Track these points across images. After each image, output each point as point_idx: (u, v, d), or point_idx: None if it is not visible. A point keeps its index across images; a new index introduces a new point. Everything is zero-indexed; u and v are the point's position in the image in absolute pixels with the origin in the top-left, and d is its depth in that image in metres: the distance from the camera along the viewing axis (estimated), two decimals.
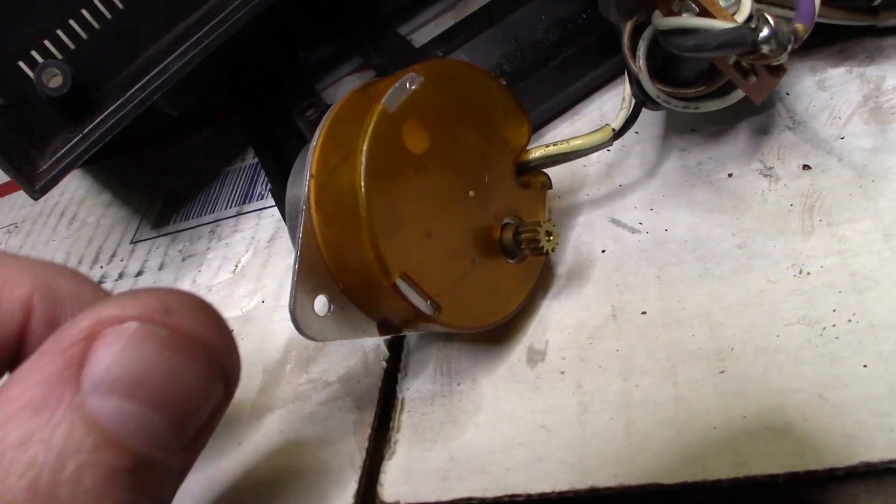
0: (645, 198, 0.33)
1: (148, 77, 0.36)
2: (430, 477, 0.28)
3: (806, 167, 0.31)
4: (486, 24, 0.38)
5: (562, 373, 0.29)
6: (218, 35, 0.35)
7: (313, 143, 0.27)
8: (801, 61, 0.35)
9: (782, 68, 0.25)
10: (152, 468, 0.17)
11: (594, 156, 0.35)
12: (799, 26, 0.24)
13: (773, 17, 0.23)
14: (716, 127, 0.34)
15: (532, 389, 0.29)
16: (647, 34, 0.30)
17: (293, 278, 0.26)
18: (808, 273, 0.28)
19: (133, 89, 0.36)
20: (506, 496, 0.26)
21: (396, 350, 0.33)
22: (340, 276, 0.27)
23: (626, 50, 0.31)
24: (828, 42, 0.35)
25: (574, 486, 0.25)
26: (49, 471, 0.16)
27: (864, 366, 0.25)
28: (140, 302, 0.18)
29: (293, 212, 0.29)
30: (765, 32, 0.23)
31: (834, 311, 0.26)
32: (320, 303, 0.27)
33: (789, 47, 0.23)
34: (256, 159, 0.45)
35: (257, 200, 0.43)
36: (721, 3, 0.26)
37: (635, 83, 0.31)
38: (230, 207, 0.44)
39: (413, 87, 0.27)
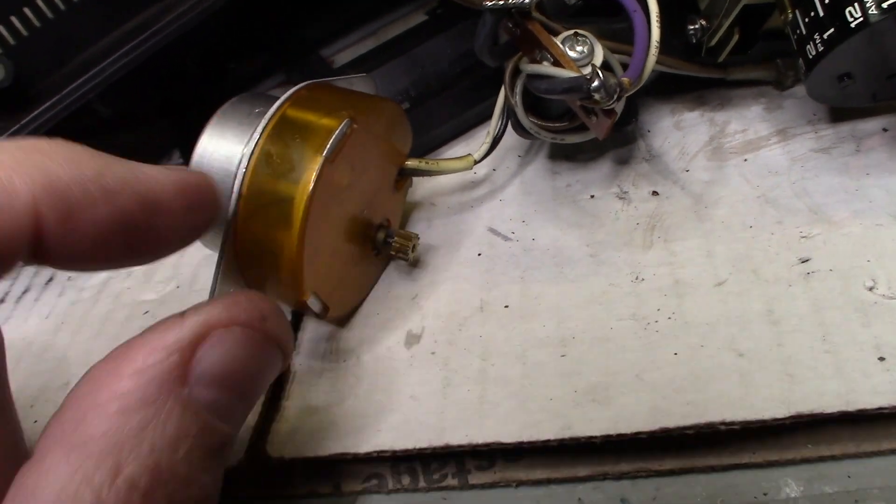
0: (519, 212, 0.38)
1: (84, 77, 0.40)
2: (312, 437, 0.32)
3: (655, 193, 0.36)
4: (397, 53, 0.43)
5: (433, 353, 0.33)
6: (153, 43, 0.39)
7: (245, 162, 0.29)
8: (663, 104, 0.41)
9: (614, 112, 0.31)
10: (230, 442, 0.22)
11: (482, 173, 0.40)
12: (625, 80, 0.29)
13: (604, 71, 0.29)
14: (586, 156, 0.39)
15: (406, 366, 0.33)
16: (523, 75, 0.35)
17: (215, 281, 0.31)
18: (643, 279, 0.33)
19: (69, 87, 0.40)
20: (374, 452, 0.30)
21: (294, 331, 0.37)
22: (251, 276, 0.31)
23: (506, 86, 0.36)
24: (688, 89, 0.41)
25: (432, 443, 0.30)
26: (167, 453, 0.19)
27: (675, 353, 0.30)
28: (244, 308, 0.22)
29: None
30: (595, 84, 0.29)
31: (658, 310, 0.32)
32: None
33: (615, 96, 0.29)
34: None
35: None
36: (575, 53, 0.32)
37: (512, 115, 0.36)
38: None
39: (346, 132, 0.30)
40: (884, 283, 0.30)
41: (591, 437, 0.28)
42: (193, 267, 0.42)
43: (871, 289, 0.30)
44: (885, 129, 0.36)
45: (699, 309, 0.31)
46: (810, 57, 0.31)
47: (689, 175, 0.37)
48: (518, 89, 0.35)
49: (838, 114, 0.37)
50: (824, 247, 0.32)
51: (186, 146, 0.45)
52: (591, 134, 0.36)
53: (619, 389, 0.29)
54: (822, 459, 0.28)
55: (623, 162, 0.38)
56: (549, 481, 0.30)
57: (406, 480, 0.31)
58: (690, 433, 0.28)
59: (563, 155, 0.40)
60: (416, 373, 0.33)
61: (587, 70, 0.29)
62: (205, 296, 0.38)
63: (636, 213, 0.36)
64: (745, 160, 0.36)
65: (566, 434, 0.29)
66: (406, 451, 0.30)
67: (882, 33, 0.30)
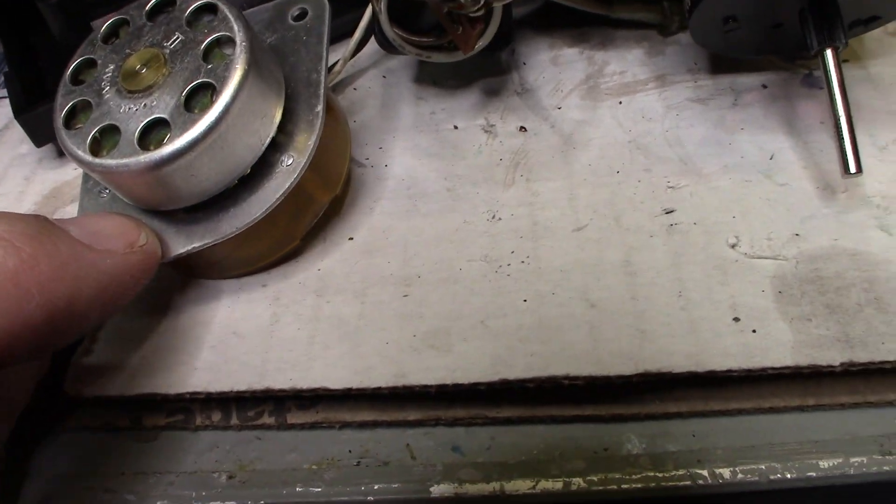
0: (376, 136, 0.34)
1: None
2: (119, 374, 0.28)
3: (523, 129, 0.34)
4: None
5: (263, 286, 0.30)
6: None
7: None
8: (542, 37, 0.38)
9: (479, 21, 0.28)
10: None
11: (339, 92, 0.37)
12: None
13: None
14: (455, 83, 0.36)
15: (233, 300, 0.30)
16: None
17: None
18: (500, 219, 0.30)
19: None
20: (187, 393, 0.27)
21: None
22: None
23: None
24: (570, 25, 0.38)
25: (252, 386, 0.27)
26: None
27: (525, 300, 0.28)
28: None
29: None
30: None
31: (512, 252, 0.29)
32: None
33: (482, 1, 0.25)
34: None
35: None
36: None
37: (377, 24, 0.33)
38: None
39: None
40: (746, 240, 0.28)
41: (426, 386, 0.26)
42: (1, 167, 0.37)
43: (733, 246, 0.28)
44: (764, 86, 0.34)
45: (555, 254, 0.29)
46: None
47: (560, 113, 0.34)
48: None
49: (719, 66, 0.35)
50: (690, 199, 0.30)
51: (15, 44, 0.39)
52: (459, 55, 0.32)
53: (460, 336, 0.27)
54: (667, 416, 0.26)
55: (493, 93, 0.35)
56: (375, 424, 0.27)
57: (216, 417, 0.28)
58: (531, 386, 0.26)
59: (431, 80, 0.37)
60: (243, 307, 0.29)
61: None
62: (7, 199, 0.34)
63: (501, 148, 0.33)
64: (620, 103, 0.34)
65: (399, 382, 0.26)
66: (222, 393, 0.27)
67: None
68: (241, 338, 0.28)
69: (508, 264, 0.29)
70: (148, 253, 0.25)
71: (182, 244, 0.27)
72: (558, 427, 0.27)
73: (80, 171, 0.35)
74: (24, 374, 0.26)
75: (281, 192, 0.27)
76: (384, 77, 0.37)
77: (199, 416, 0.28)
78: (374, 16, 0.32)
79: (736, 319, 0.26)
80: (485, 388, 0.26)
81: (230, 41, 0.26)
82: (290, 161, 0.27)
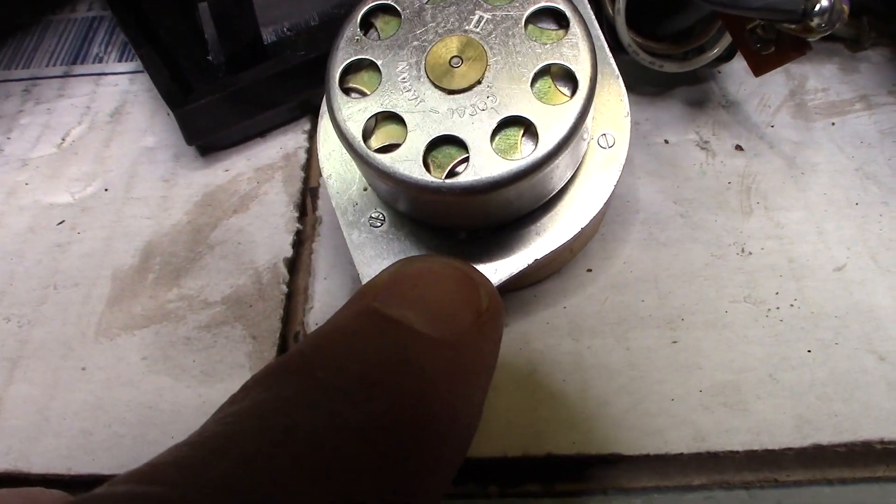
0: None
1: None
2: None
3: (739, 148, 0.31)
4: None
5: (505, 325, 0.26)
6: None
7: None
8: None
9: (809, 46, 0.24)
10: None
11: None
12: (845, 7, 0.23)
13: None
14: (651, 88, 0.33)
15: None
16: None
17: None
18: (750, 253, 0.28)
19: None
20: None
21: (295, 273, 0.28)
22: None
23: None
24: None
25: (528, 451, 0.23)
26: None
27: (809, 351, 0.25)
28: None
29: None
30: (823, 3, 0.22)
31: (777, 294, 0.27)
32: None
33: (837, 25, 0.22)
34: (91, 13, 0.36)
35: (94, 63, 0.35)
36: None
37: (607, 28, 0.29)
38: (54, 65, 0.35)
39: None
40: None
41: (733, 452, 0.23)
42: (127, 164, 0.31)
43: None
44: None
45: (823, 297, 0.27)
46: None
47: (774, 132, 0.32)
48: None
49: None
50: None
51: (132, 19, 0.33)
52: (693, 64, 0.30)
53: (752, 392, 0.24)
54: None
55: (697, 105, 0.32)
56: (655, 489, 0.24)
57: (470, 486, 0.24)
58: (842, 451, 0.24)
59: (626, 85, 0.33)
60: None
61: None
62: (147, 204, 0.29)
63: (724, 170, 0.30)
64: (833, 124, 0.32)
65: (702, 448, 0.23)
66: (496, 458, 0.23)
67: None
68: (496, 390, 0.25)
69: (777, 307, 0.26)
70: (494, 310, 0.18)
71: (513, 263, 0.23)
72: (848, 488, 0.25)
73: (231, 172, 0.30)
74: None
75: (618, 176, 0.24)
76: None
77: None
78: (605, 16, 0.29)
79: None
80: (793, 454, 0.23)
81: (549, 12, 0.22)
82: (611, 142, 0.24)
